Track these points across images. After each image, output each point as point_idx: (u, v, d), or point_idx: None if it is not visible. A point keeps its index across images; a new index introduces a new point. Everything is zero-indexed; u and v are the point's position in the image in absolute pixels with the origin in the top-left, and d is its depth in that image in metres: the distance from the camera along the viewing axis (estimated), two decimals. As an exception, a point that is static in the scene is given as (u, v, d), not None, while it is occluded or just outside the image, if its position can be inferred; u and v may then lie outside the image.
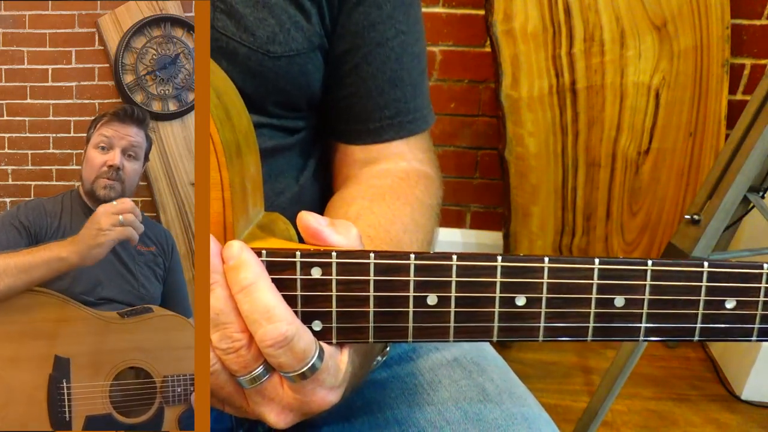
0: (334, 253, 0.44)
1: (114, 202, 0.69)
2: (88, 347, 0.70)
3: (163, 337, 0.73)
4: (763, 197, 1.35)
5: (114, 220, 0.67)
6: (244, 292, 0.43)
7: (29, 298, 0.68)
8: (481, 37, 1.75)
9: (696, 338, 0.46)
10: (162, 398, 0.72)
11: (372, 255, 0.44)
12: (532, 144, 1.65)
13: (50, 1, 1.36)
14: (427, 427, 0.62)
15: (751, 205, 1.33)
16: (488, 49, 1.68)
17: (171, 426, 0.73)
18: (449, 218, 1.99)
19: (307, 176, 0.74)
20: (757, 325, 0.46)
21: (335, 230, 0.46)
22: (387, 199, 0.66)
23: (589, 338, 0.46)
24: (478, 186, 1.96)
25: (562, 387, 1.69)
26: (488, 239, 1.99)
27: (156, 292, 0.82)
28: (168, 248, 0.87)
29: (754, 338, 0.46)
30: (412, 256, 0.44)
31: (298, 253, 0.44)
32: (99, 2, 1.36)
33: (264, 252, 0.44)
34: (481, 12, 1.66)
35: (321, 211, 0.76)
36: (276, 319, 0.42)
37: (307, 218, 0.46)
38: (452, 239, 1.98)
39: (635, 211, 1.72)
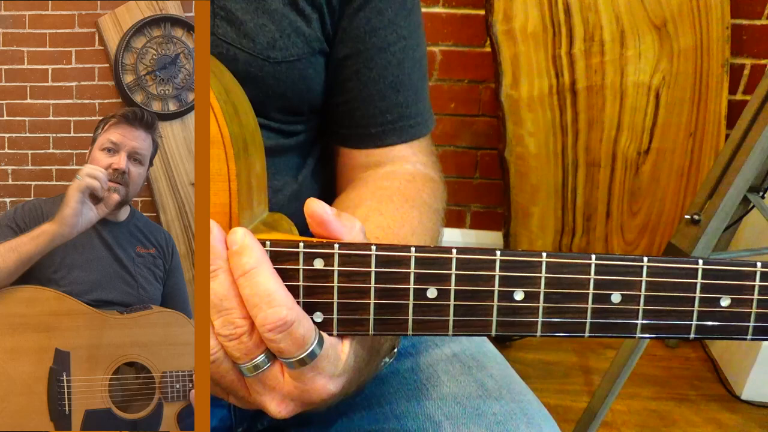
0: (336, 245, 0.45)
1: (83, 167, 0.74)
2: (86, 341, 0.71)
3: (161, 332, 0.73)
4: (763, 197, 1.35)
5: (75, 183, 0.72)
6: (245, 276, 0.43)
7: (29, 291, 0.70)
8: (481, 37, 1.75)
9: (692, 336, 0.46)
10: (161, 394, 0.73)
11: (374, 247, 0.45)
12: (532, 144, 1.65)
13: (50, 1, 1.36)
14: (426, 422, 0.62)
15: (751, 205, 1.33)
16: (488, 49, 1.68)
17: (170, 423, 0.74)
18: (449, 218, 1.99)
19: (306, 174, 0.75)
20: (752, 324, 0.46)
21: (341, 221, 0.46)
22: (395, 201, 0.66)
23: (586, 334, 0.46)
24: (478, 186, 1.96)
25: (562, 387, 1.69)
26: (488, 239, 1.99)
27: (156, 293, 0.82)
28: (168, 250, 0.87)
29: (749, 337, 0.47)
30: (413, 249, 0.45)
31: (301, 244, 0.45)
32: (99, 2, 1.37)
33: (268, 242, 0.45)
34: (481, 12, 1.66)
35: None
36: (276, 303, 0.43)
37: (315, 206, 0.46)
38: (452, 239, 1.98)
39: (635, 211, 1.72)
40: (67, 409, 0.70)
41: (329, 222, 0.46)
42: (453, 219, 2.00)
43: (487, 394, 0.65)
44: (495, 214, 1.98)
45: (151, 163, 0.88)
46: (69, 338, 0.70)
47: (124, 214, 0.87)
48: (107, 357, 0.71)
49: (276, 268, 0.44)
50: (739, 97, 1.73)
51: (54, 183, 1.39)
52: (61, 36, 1.37)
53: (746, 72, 1.71)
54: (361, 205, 0.66)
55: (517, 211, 1.72)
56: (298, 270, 0.45)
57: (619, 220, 1.73)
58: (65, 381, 0.70)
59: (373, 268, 0.45)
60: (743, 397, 1.65)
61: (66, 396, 0.70)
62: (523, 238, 1.75)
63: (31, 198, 1.36)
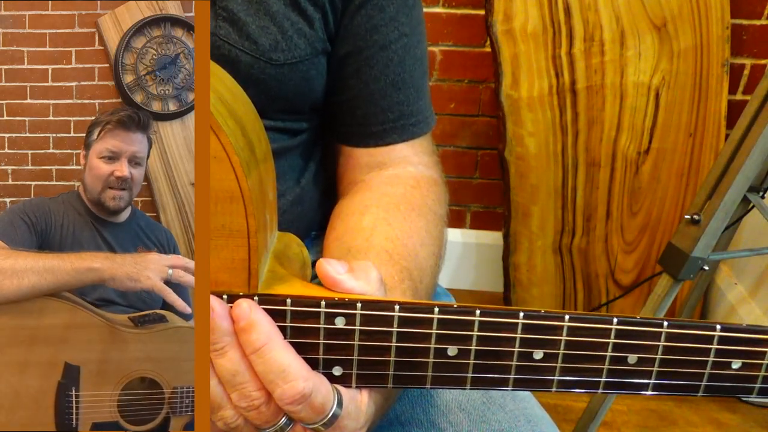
0: (359, 304, 0.44)
1: (169, 256, 0.68)
2: (98, 355, 0.69)
3: (176, 348, 0.72)
4: (763, 197, 1.35)
5: (162, 272, 0.67)
6: (257, 354, 0.43)
7: (41, 302, 0.67)
8: (481, 37, 1.75)
9: (700, 394, 0.48)
10: (170, 408, 0.72)
11: (397, 307, 0.44)
12: (532, 144, 1.65)
13: (50, 1, 1.36)
14: (431, 428, 0.62)
15: (751, 205, 1.33)
16: (488, 49, 1.68)
17: (176, 434, 0.73)
18: (449, 218, 1.99)
19: (308, 178, 0.74)
20: (758, 385, 0.48)
21: (354, 276, 0.46)
22: (402, 209, 0.66)
23: (600, 391, 0.47)
24: (478, 186, 1.96)
25: (562, 387, 1.69)
26: (488, 239, 1.99)
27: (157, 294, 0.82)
28: (169, 249, 0.87)
29: (753, 396, 0.48)
30: (436, 309, 0.44)
31: (323, 303, 0.44)
32: (99, 2, 1.36)
33: (289, 300, 0.44)
34: (481, 12, 1.66)
35: (322, 211, 0.76)
36: (292, 377, 0.43)
37: (326, 267, 0.46)
38: (452, 239, 1.98)
39: (635, 211, 1.72)
40: (74, 422, 0.68)
41: (342, 281, 0.45)
42: (453, 219, 2.00)
43: (491, 400, 0.65)
44: (495, 214, 1.98)
45: (147, 157, 0.88)
46: (80, 352, 0.68)
47: (125, 214, 0.87)
48: (118, 371, 0.70)
49: (296, 326, 0.44)
50: (739, 97, 1.73)
51: (54, 183, 1.39)
52: (61, 36, 1.37)
53: (746, 72, 1.71)
54: (367, 213, 0.66)
55: (517, 211, 1.72)
56: (318, 328, 0.44)
57: (619, 220, 1.73)
58: (74, 396, 0.68)
59: (395, 328, 0.45)
60: (743, 397, 1.65)
61: (74, 410, 0.68)
62: (523, 238, 1.75)
63: (32, 197, 1.36)
